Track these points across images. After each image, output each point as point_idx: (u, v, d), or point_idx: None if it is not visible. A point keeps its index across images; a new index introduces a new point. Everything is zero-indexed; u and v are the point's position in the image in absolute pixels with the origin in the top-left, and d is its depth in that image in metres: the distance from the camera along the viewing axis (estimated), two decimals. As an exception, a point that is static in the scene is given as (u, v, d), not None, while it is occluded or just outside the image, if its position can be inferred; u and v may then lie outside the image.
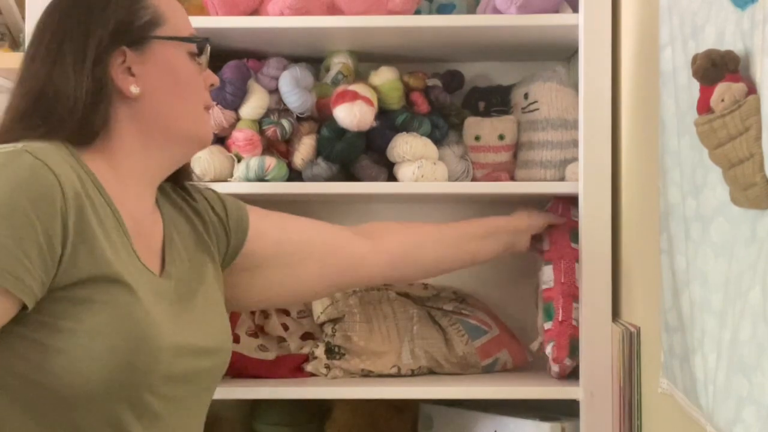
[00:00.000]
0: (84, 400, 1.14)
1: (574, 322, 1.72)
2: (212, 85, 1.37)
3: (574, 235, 1.76)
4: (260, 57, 1.87)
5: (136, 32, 1.27)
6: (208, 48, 1.35)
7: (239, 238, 1.45)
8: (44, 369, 1.12)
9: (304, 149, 1.82)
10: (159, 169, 1.31)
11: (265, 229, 1.49)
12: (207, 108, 1.35)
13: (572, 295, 1.73)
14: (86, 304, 1.14)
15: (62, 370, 1.12)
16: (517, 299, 2.01)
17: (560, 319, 1.73)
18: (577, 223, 1.77)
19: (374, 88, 1.82)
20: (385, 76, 1.85)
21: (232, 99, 1.79)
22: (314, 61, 1.89)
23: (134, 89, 1.26)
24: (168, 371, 1.20)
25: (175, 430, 1.24)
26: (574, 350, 1.72)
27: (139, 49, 1.27)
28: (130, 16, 1.27)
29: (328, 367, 1.80)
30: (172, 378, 1.21)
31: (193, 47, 1.32)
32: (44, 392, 1.13)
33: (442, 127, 1.86)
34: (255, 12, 1.81)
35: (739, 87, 0.95)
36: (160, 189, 1.35)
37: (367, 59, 1.92)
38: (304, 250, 1.52)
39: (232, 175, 1.80)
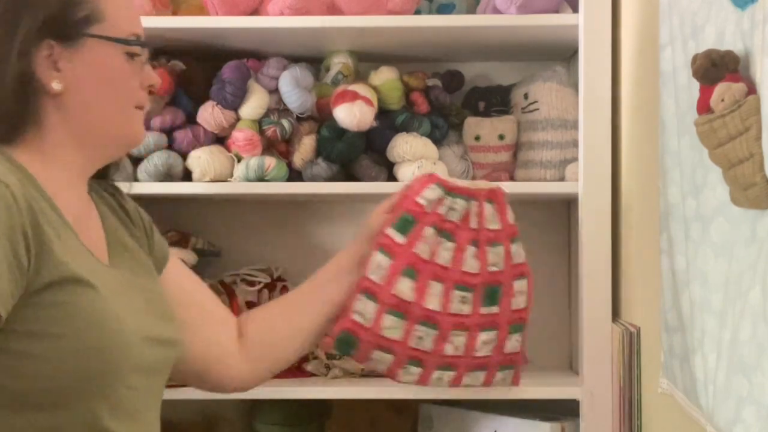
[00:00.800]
0: (58, 399, 1.14)
1: (352, 315, 1.52)
2: (152, 85, 1.31)
3: (401, 222, 1.53)
4: (260, 57, 1.87)
5: (70, 27, 1.23)
6: (147, 50, 1.30)
7: (158, 267, 1.40)
8: (17, 373, 1.12)
9: (304, 149, 1.82)
10: (90, 165, 1.29)
11: (181, 274, 1.45)
12: (140, 108, 1.30)
13: (361, 286, 1.52)
14: (52, 307, 1.13)
15: (36, 373, 1.12)
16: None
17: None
18: (418, 206, 1.53)
19: (374, 88, 1.82)
20: (385, 76, 1.85)
21: (232, 99, 1.79)
22: (314, 61, 1.89)
23: (56, 85, 1.22)
24: (137, 362, 1.20)
25: (144, 420, 1.24)
26: (343, 345, 1.54)
27: (69, 45, 1.23)
28: (65, 10, 1.22)
29: (328, 366, 1.80)
30: (141, 369, 1.21)
31: (131, 48, 1.27)
32: (18, 396, 1.13)
33: (442, 127, 1.86)
34: (255, 12, 1.81)
35: (739, 87, 0.95)
36: (90, 185, 1.32)
37: (367, 59, 1.92)
38: (204, 316, 1.45)
39: (232, 175, 1.80)
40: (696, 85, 1.03)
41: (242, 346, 1.48)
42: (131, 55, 1.27)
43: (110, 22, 1.25)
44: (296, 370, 1.83)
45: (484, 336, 1.58)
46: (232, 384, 1.49)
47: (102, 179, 1.35)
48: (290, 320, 1.52)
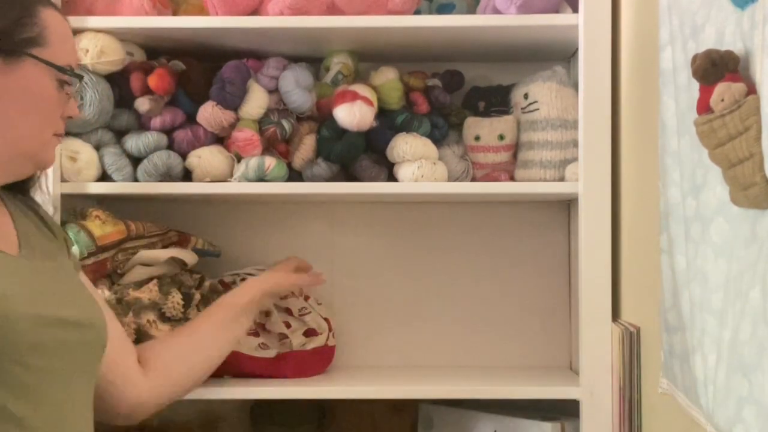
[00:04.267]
0: None
1: None
2: (70, 117, 1.37)
3: None
4: (260, 57, 1.87)
5: (14, 44, 1.27)
6: (78, 84, 1.37)
7: None
8: None
9: (304, 149, 1.82)
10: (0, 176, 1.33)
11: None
12: (57, 135, 1.36)
13: None
14: None
15: None
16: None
17: None
18: None
19: (374, 88, 1.82)
20: (385, 76, 1.85)
21: (231, 99, 1.79)
22: (314, 61, 1.89)
23: None
24: (32, 340, 1.21)
25: (54, 402, 1.25)
26: None
27: (8, 60, 1.27)
28: (14, 27, 1.27)
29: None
30: (38, 348, 1.22)
31: (64, 77, 1.32)
32: None
33: (442, 127, 1.86)
34: (255, 12, 1.81)
35: (739, 87, 0.95)
36: (6, 195, 1.37)
37: (367, 59, 1.92)
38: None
39: (232, 175, 1.80)
40: (696, 85, 1.03)
41: (145, 370, 1.53)
42: (62, 84, 1.33)
43: (52, 48, 1.31)
44: (297, 367, 1.82)
45: None
46: (131, 405, 1.51)
47: (21, 191, 1.40)
48: (190, 358, 1.61)
